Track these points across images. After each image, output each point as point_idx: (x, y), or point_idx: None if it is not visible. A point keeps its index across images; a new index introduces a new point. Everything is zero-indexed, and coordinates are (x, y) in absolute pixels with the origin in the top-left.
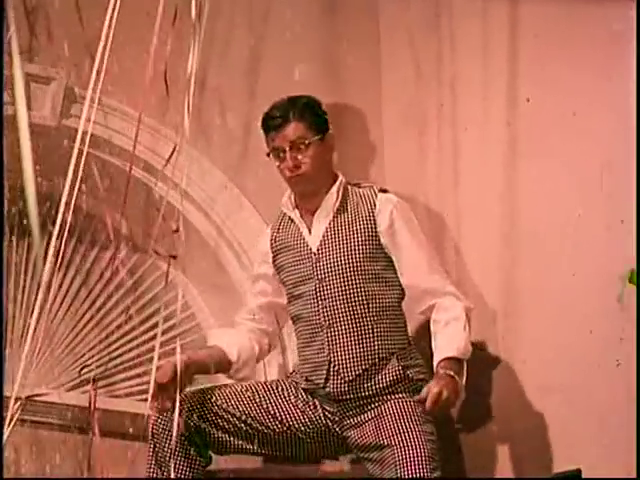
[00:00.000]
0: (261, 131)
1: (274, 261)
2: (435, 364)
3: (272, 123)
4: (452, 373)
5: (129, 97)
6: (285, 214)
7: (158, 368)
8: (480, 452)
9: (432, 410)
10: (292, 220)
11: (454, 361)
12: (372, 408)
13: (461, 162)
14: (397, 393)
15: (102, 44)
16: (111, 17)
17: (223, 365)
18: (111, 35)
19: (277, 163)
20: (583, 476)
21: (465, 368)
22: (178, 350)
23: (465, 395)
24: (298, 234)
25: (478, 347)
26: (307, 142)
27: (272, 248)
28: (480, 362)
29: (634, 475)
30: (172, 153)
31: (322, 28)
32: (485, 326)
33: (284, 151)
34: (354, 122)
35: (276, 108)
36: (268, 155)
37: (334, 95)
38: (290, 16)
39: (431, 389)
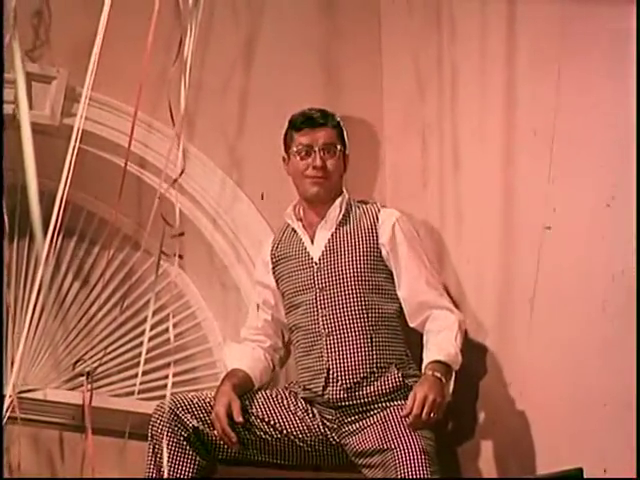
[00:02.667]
0: (282, 131)
1: (274, 271)
2: (423, 368)
3: (309, 122)
4: (439, 375)
5: (124, 93)
6: (288, 226)
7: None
8: (478, 452)
9: (419, 415)
10: (294, 231)
11: (442, 365)
12: (371, 415)
13: (461, 167)
14: (396, 400)
15: (97, 41)
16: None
17: (248, 388)
18: (101, 32)
19: (300, 161)
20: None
21: (453, 377)
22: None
23: (462, 395)
24: (300, 244)
25: (476, 347)
26: (336, 150)
27: (272, 258)
28: (478, 362)
29: (634, 475)
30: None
31: (322, 28)
32: (482, 329)
33: (314, 151)
34: (355, 130)
35: (314, 110)
36: (283, 161)
37: (334, 99)
38: (288, 16)
39: (416, 395)
